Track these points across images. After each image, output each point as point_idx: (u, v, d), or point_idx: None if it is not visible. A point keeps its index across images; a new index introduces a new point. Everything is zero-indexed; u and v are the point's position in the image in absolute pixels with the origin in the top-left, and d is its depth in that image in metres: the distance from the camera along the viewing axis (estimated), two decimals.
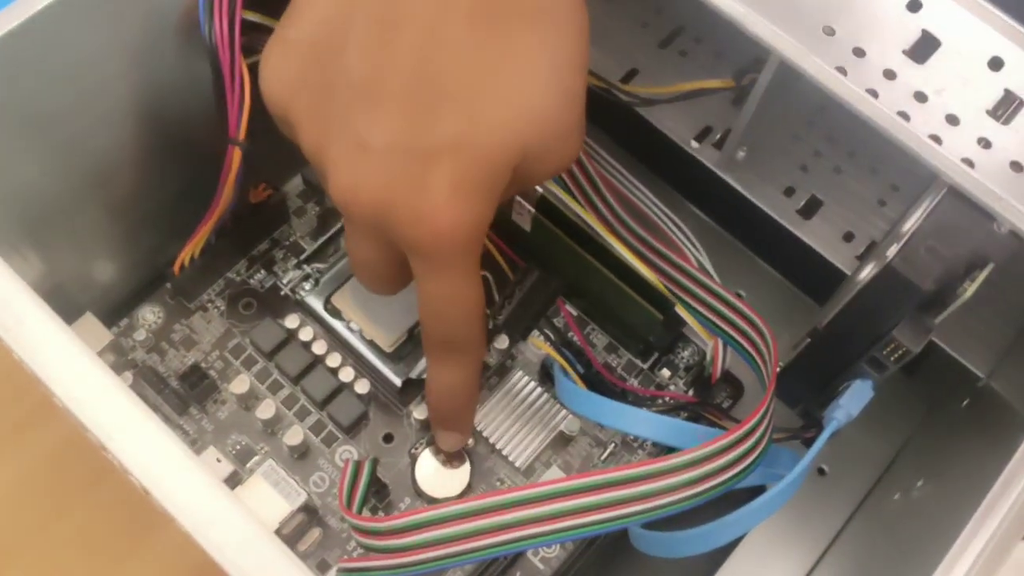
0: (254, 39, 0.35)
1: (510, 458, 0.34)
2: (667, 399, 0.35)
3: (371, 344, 0.35)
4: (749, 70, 0.34)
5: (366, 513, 0.31)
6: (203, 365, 0.35)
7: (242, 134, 0.31)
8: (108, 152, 0.33)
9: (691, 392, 0.35)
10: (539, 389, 0.35)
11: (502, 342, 0.35)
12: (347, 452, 0.34)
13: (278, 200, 0.37)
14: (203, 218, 0.34)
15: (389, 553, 0.25)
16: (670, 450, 0.28)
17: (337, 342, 0.35)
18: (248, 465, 0.33)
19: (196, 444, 0.33)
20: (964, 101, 0.27)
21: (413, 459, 0.33)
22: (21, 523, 0.35)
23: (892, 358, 0.26)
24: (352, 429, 0.34)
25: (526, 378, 0.35)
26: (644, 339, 0.35)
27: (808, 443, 0.29)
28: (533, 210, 0.35)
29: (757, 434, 0.26)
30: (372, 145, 0.24)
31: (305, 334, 0.35)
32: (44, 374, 0.20)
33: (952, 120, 0.27)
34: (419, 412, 0.34)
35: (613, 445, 0.34)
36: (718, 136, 0.37)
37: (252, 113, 0.31)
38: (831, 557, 0.33)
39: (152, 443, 0.20)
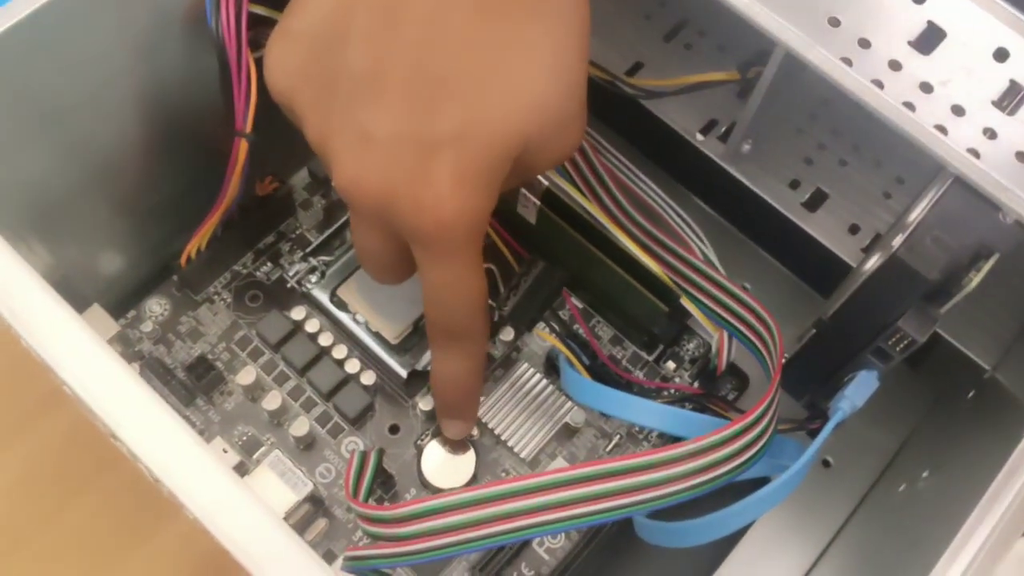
0: (260, 32, 0.35)
1: (515, 449, 0.34)
2: (672, 391, 0.35)
3: (377, 336, 0.35)
4: (754, 63, 0.34)
5: (372, 503, 0.32)
6: (210, 357, 0.35)
7: (249, 126, 0.31)
8: (114, 145, 0.33)
9: (696, 384, 0.35)
10: (544, 381, 0.35)
11: (507, 334, 0.36)
12: (353, 443, 0.34)
13: (284, 193, 0.37)
14: (210, 210, 0.34)
15: (395, 541, 0.25)
16: (675, 441, 0.28)
17: (343, 334, 0.35)
18: (255, 456, 0.33)
19: (203, 435, 0.34)
20: (969, 92, 0.27)
21: (419, 450, 0.34)
22: (29, 511, 0.35)
23: (897, 348, 0.26)
24: (358, 420, 0.34)
25: (531, 370, 0.35)
26: (649, 331, 0.35)
27: (813, 434, 0.30)
28: (538, 203, 0.35)
29: (762, 424, 0.26)
30: (375, 136, 0.25)
31: (311, 326, 0.35)
32: (54, 362, 0.20)
33: (958, 111, 0.27)
34: (425, 403, 0.34)
35: (618, 437, 0.35)
36: (723, 129, 0.37)
37: (258, 105, 0.31)
38: (836, 548, 0.33)
39: (162, 431, 0.20)
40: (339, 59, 0.25)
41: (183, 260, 0.35)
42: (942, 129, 0.27)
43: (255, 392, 0.34)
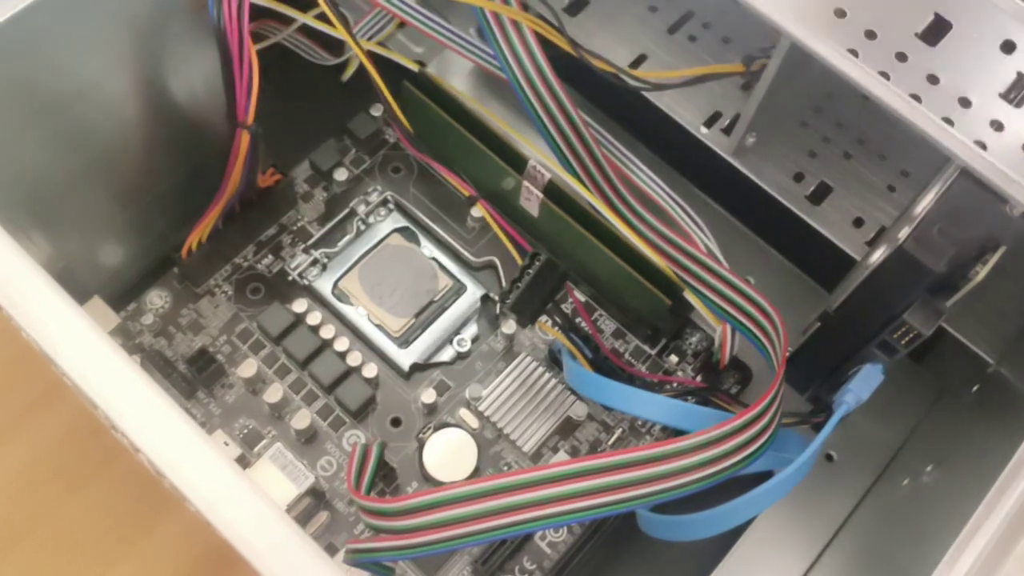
0: (262, 24, 0.35)
1: (517, 443, 0.34)
2: (675, 384, 0.34)
3: (379, 328, 0.35)
4: (758, 55, 0.34)
5: (374, 496, 0.32)
6: (211, 349, 0.35)
7: (250, 118, 0.31)
8: (115, 136, 0.33)
9: (699, 378, 0.35)
10: (547, 374, 0.35)
11: (509, 327, 0.35)
12: (354, 436, 0.34)
13: (286, 185, 0.37)
14: (211, 202, 0.34)
15: (397, 534, 0.25)
16: (678, 434, 0.28)
17: (345, 327, 0.35)
18: (256, 449, 0.33)
19: (204, 428, 0.33)
20: (976, 84, 0.27)
21: (421, 443, 0.33)
22: (31, 504, 0.35)
23: (903, 341, 0.26)
24: (360, 413, 0.34)
25: (534, 363, 0.35)
26: (652, 324, 0.35)
27: (817, 428, 0.29)
28: (541, 195, 0.35)
29: (766, 418, 0.26)
30: None
31: (313, 318, 0.35)
32: (56, 354, 0.20)
33: (964, 103, 0.27)
34: (427, 396, 0.34)
35: (621, 430, 0.34)
36: (727, 122, 0.37)
37: (260, 97, 0.31)
38: (839, 542, 0.33)
39: (164, 423, 0.20)
40: None
41: (184, 252, 0.35)
42: (949, 121, 0.26)
43: (256, 385, 0.34)
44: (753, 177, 0.36)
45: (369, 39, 0.39)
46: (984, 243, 0.26)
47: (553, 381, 0.35)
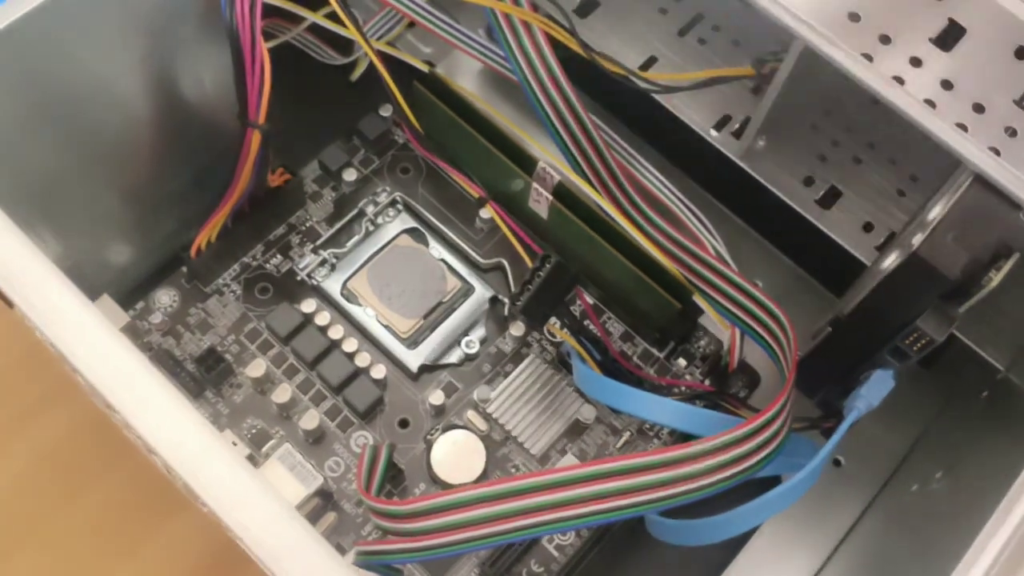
0: (272, 22, 0.35)
1: (525, 445, 0.34)
2: (683, 388, 0.34)
3: (387, 329, 0.35)
4: (768, 58, 0.34)
5: (383, 498, 0.31)
6: (219, 349, 0.35)
7: (262, 117, 0.31)
8: (125, 135, 0.33)
9: (707, 382, 0.35)
10: (555, 377, 0.35)
11: (518, 329, 0.35)
12: (362, 437, 0.34)
13: (295, 185, 0.37)
14: (220, 202, 0.34)
15: (406, 536, 0.25)
16: (686, 438, 0.28)
17: (353, 327, 0.35)
18: (263, 449, 0.33)
19: None
20: (990, 90, 0.27)
21: (428, 445, 0.33)
22: (40, 501, 0.35)
23: (915, 348, 0.26)
24: (368, 414, 0.34)
25: (543, 366, 0.35)
26: (661, 327, 0.35)
27: (827, 433, 0.29)
28: (550, 197, 0.35)
29: (777, 423, 0.26)
30: None
31: (321, 319, 0.35)
32: (70, 352, 0.20)
33: (978, 108, 0.27)
34: (435, 397, 0.34)
35: (628, 434, 0.34)
36: (737, 125, 0.37)
37: (271, 97, 0.31)
38: (847, 548, 0.33)
39: (176, 422, 0.20)
40: None
41: (193, 251, 0.34)
42: (962, 127, 0.26)
43: (264, 385, 0.34)
44: (763, 181, 0.36)
45: (378, 39, 0.39)
46: (997, 250, 0.26)
47: (562, 384, 0.35)
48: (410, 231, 0.37)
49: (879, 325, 0.27)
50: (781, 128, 0.35)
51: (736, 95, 0.38)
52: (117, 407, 0.20)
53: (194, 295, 0.36)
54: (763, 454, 0.26)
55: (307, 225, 0.37)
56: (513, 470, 0.34)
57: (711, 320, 0.34)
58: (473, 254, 0.37)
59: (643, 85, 0.35)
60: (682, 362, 0.36)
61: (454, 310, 0.36)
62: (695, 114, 0.37)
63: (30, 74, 0.28)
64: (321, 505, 0.32)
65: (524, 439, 0.34)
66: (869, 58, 0.27)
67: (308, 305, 0.35)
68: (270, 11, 0.32)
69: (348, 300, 0.35)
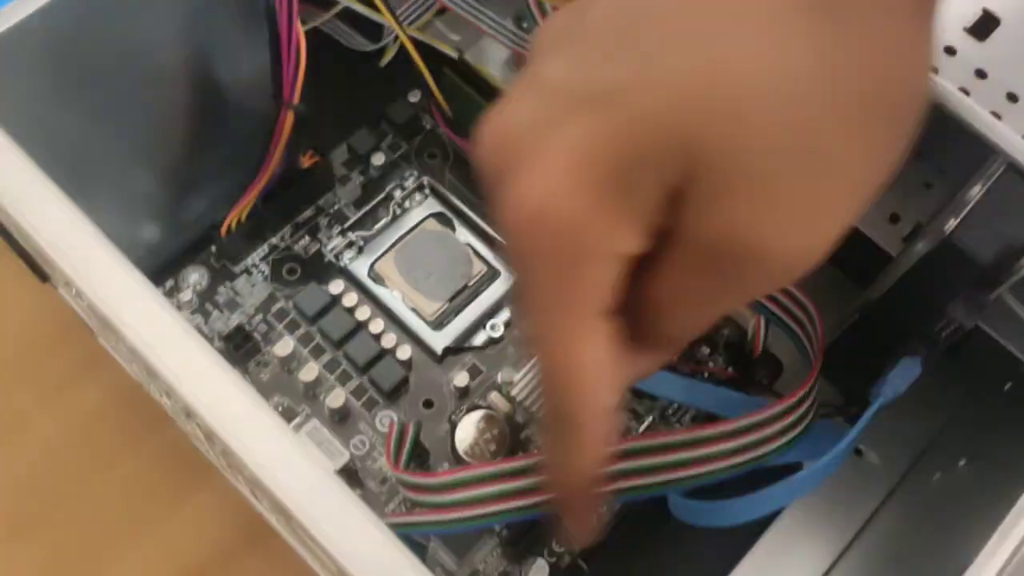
0: (306, 9, 0.35)
1: None
2: (706, 375, 0.35)
3: (413, 311, 0.35)
4: None
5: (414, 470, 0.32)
6: (247, 328, 0.35)
7: (296, 96, 0.32)
8: (157, 113, 0.33)
9: (730, 369, 0.35)
10: None
11: None
12: (387, 417, 0.34)
13: (324, 168, 0.37)
14: (251, 182, 0.34)
15: (435, 508, 0.25)
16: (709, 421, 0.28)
17: (379, 309, 0.36)
18: (290, 426, 0.33)
19: None
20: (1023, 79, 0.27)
21: (453, 425, 0.34)
22: (63, 474, 0.35)
23: (944, 334, 0.26)
24: (393, 394, 0.34)
25: None
26: None
27: (852, 420, 0.29)
28: None
29: (805, 406, 0.26)
30: (537, 80, 0.18)
31: (348, 300, 0.35)
32: (115, 316, 0.21)
33: (1012, 98, 0.27)
34: (459, 379, 0.34)
35: (650, 419, 0.35)
36: None
37: (305, 77, 0.32)
38: (867, 536, 0.33)
39: (220, 383, 0.20)
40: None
41: (223, 230, 0.35)
42: (996, 115, 0.26)
43: (291, 364, 0.35)
44: None
45: (408, 25, 0.39)
46: None
47: None
48: (437, 215, 0.38)
49: (908, 311, 0.27)
50: None
51: None
52: (161, 370, 0.20)
53: (223, 274, 0.36)
54: (790, 436, 0.26)
55: (335, 208, 0.38)
56: (537, 452, 0.34)
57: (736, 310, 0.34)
58: (499, 239, 0.37)
59: None
60: (705, 350, 0.36)
61: (480, 294, 0.36)
62: None
63: (66, 49, 0.28)
64: (346, 483, 0.33)
65: None
66: None
67: (335, 286, 0.36)
68: None
69: (375, 282, 0.36)
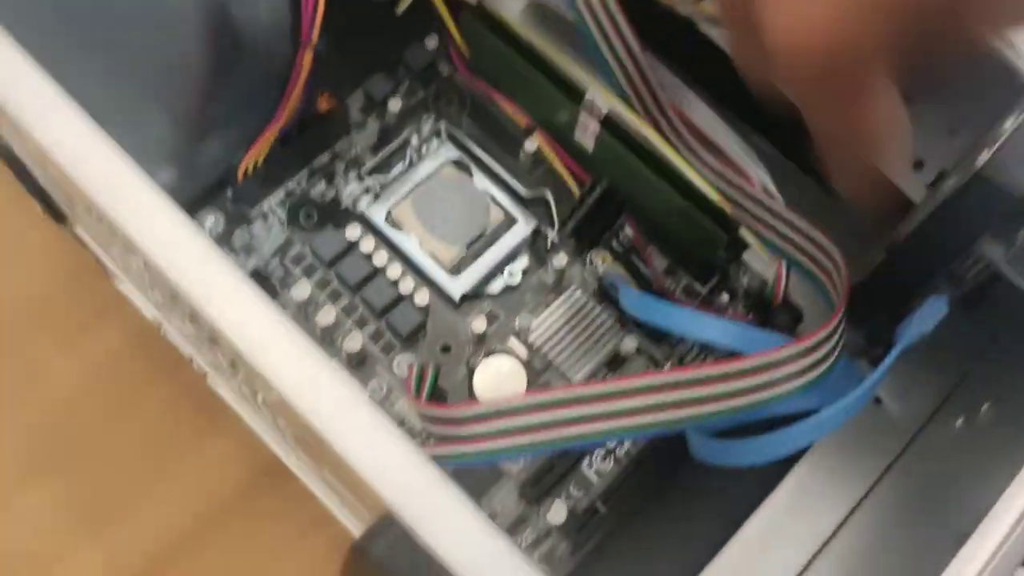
0: None
1: (567, 374, 0.34)
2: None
3: (430, 256, 0.35)
4: None
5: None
6: (263, 272, 0.35)
7: (315, 36, 0.31)
8: (172, 55, 0.33)
9: (751, 316, 0.35)
10: (597, 308, 0.35)
11: (560, 260, 0.35)
12: (405, 361, 0.34)
13: (340, 113, 0.37)
14: (268, 124, 0.34)
15: (457, 441, 0.25)
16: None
17: (396, 254, 0.35)
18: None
19: None
20: None
21: (471, 370, 0.34)
22: (82, 419, 0.36)
23: (971, 272, 0.26)
24: (410, 339, 0.34)
25: (584, 296, 0.35)
26: (706, 260, 0.35)
27: (876, 360, 0.29)
28: (598, 126, 0.34)
29: (832, 341, 0.26)
30: None
31: (366, 245, 0.35)
32: (142, 240, 0.20)
33: None
34: (476, 325, 0.34)
35: (669, 364, 0.34)
36: None
37: (324, 17, 0.31)
38: (887, 482, 0.33)
39: (249, 307, 0.20)
40: None
41: (240, 174, 0.35)
42: None
43: (308, 308, 0.34)
44: None
45: None
46: None
47: (603, 315, 0.35)
48: (454, 162, 0.37)
49: (937, 249, 0.27)
50: None
51: None
52: (186, 290, 0.20)
53: (239, 218, 0.36)
54: (813, 375, 0.26)
55: (352, 154, 0.37)
56: None
57: (755, 256, 0.34)
58: (517, 186, 0.37)
59: (689, 15, 0.34)
60: (725, 297, 0.36)
61: (497, 240, 0.36)
62: None
63: None
64: None
65: (565, 368, 0.34)
66: None
67: (352, 231, 0.35)
68: None
69: (393, 227, 0.36)
